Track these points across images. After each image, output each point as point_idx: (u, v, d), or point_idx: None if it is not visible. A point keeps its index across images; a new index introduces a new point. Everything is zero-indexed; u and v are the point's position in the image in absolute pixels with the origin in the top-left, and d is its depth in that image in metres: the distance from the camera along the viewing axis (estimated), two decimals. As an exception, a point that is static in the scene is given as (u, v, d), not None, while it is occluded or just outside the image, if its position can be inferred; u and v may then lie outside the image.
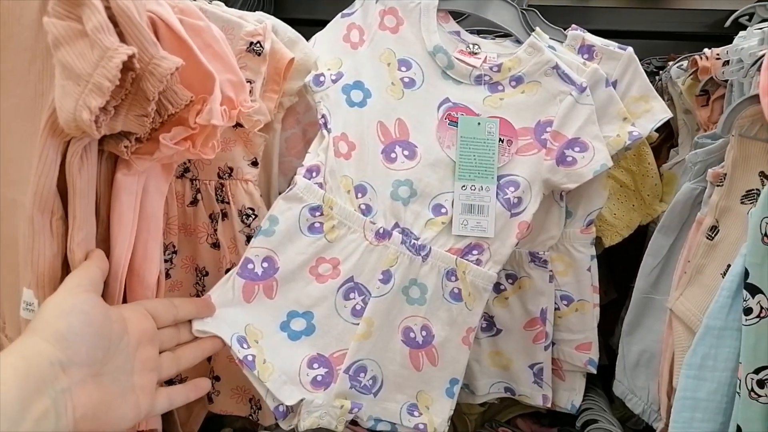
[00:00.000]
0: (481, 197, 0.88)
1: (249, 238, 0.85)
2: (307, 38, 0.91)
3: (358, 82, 0.90)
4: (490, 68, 0.92)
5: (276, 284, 0.82)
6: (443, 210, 0.89)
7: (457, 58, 0.92)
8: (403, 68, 0.91)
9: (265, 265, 0.82)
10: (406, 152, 0.89)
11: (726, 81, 0.91)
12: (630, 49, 0.94)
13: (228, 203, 0.83)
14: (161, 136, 0.59)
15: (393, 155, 0.89)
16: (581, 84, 0.90)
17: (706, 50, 0.97)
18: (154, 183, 0.64)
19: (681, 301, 0.82)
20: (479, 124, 0.90)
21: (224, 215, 0.84)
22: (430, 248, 0.88)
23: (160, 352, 0.68)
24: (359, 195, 0.87)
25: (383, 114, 0.90)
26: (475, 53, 0.94)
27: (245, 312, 0.81)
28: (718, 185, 0.78)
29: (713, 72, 0.94)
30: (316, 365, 0.82)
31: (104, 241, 0.61)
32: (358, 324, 0.84)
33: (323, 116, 0.88)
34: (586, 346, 0.99)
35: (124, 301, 0.67)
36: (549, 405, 1.00)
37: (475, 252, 0.89)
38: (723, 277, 0.72)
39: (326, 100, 0.88)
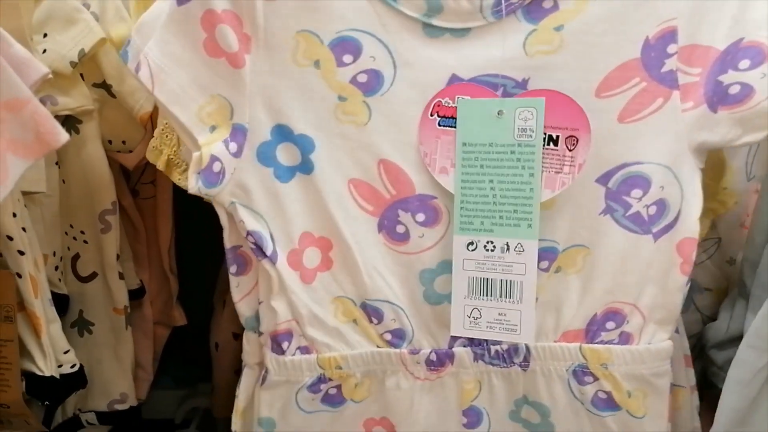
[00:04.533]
0: (508, 265, 0.47)
1: None
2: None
3: (279, 127, 0.46)
4: (516, -25, 0.43)
5: None
6: None
7: (443, -12, 0.44)
8: (348, 58, 0.45)
9: None
10: (419, 216, 0.48)
11: None
12: None
13: None
14: None
15: (400, 229, 0.48)
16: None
17: None
18: None
19: None
20: (501, 113, 0.44)
21: None
22: (527, 347, 0.49)
23: None
24: (374, 320, 0.49)
25: (352, 166, 0.47)
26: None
27: None
28: None
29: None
30: None
31: None
32: None
33: (250, 234, 0.46)
34: None
35: None
36: None
37: (611, 325, 0.49)
38: None
39: (243, 195, 0.47)
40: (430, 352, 0.50)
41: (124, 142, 0.65)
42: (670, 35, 0.44)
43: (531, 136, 0.45)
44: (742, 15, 0.43)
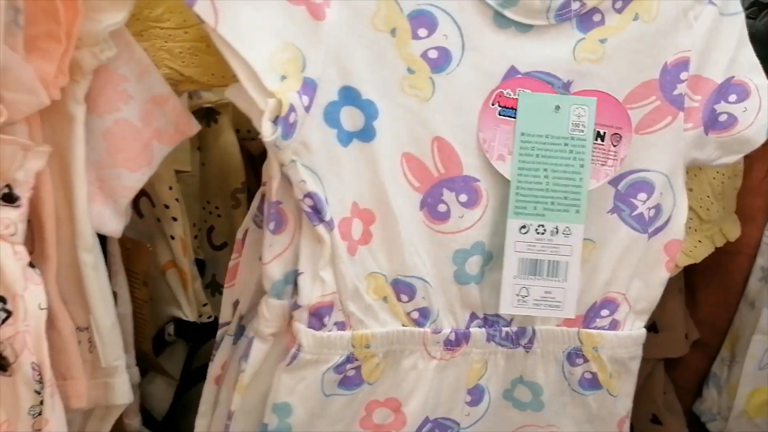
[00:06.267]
0: (556, 247, 0.51)
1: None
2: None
3: (347, 89, 0.45)
4: (579, -14, 0.48)
5: None
6: None
7: (521, -18, 0.46)
8: (423, 32, 0.45)
9: None
10: (462, 196, 0.49)
11: None
12: None
13: None
14: None
15: (442, 208, 0.49)
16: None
17: None
18: None
19: None
20: (558, 108, 0.49)
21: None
22: (534, 330, 0.53)
23: None
24: (404, 298, 0.49)
25: (408, 139, 0.47)
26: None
27: None
28: None
29: None
30: None
31: None
32: None
33: (309, 195, 0.43)
34: None
35: None
36: None
37: (605, 312, 0.55)
38: None
39: (306, 154, 0.44)
40: (450, 332, 0.51)
41: (249, 131, 0.75)
42: (683, 64, 0.51)
43: (583, 131, 0.49)
44: (736, 56, 0.52)
